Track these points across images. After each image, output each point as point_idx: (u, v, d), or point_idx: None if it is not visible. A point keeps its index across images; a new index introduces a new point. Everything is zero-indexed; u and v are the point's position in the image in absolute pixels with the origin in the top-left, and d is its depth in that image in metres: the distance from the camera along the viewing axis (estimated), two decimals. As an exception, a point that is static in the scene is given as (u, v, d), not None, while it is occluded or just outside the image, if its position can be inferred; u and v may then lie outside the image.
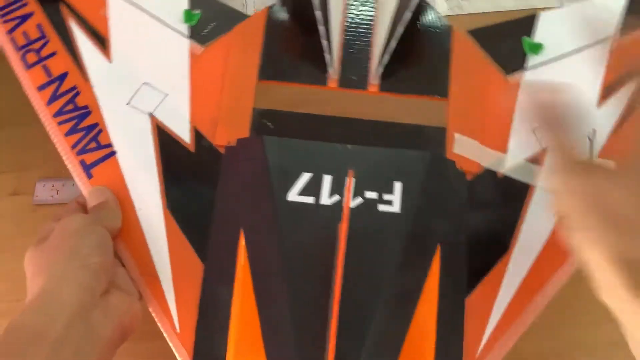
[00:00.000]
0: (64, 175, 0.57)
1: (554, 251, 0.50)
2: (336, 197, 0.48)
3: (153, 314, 0.47)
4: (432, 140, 0.53)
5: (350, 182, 0.48)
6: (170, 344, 0.47)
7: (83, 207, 0.50)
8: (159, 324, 0.47)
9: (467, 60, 0.56)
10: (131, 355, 0.56)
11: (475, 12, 0.64)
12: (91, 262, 0.43)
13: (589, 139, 0.52)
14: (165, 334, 0.47)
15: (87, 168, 0.50)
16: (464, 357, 0.47)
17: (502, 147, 0.53)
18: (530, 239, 0.50)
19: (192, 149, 0.52)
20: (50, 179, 0.60)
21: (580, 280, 0.59)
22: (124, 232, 0.49)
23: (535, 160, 0.53)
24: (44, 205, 0.59)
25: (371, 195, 0.48)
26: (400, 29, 0.53)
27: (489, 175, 0.52)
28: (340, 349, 0.43)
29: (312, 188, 0.48)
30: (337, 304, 0.44)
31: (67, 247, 0.44)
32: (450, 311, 0.47)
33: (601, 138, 0.53)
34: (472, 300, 0.48)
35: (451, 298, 0.48)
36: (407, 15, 0.52)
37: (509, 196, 0.52)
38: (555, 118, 0.40)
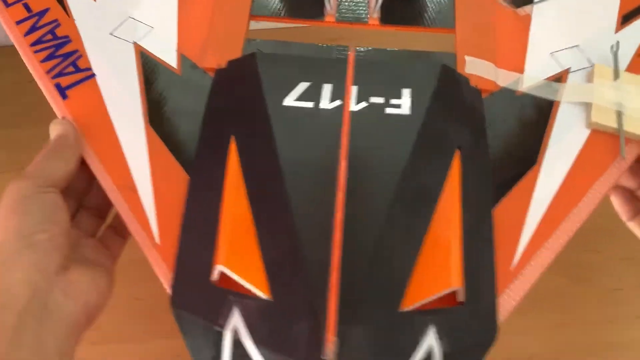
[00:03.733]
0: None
1: (588, 165, 0.44)
2: (337, 102, 0.43)
3: (130, 228, 0.41)
4: (441, 62, 0.48)
5: (349, 83, 0.43)
6: (149, 259, 0.40)
7: None
8: (136, 238, 0.41)
9: None
10: (131, 355, 0.56)
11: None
12: (37, 240, 0.37)
13: (613, 52, 0.47)
14: (142, 248, 0.40)
15: (63, 90, 0.45)
16: (497, 269, 0.39)
17: (519, 70, 0.49)
18: (560, 153, 0.44)
19: (178, 72, 0.47)
20: None
21: (580, 282, 0.58)
22: (100, 150, 0.43)
23: (559, 78, 0.48)
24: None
25: (377, 100, 0.43)
26: None
27: (507, 92, 0.47)
28: (349, 251, 0.36)
29: (311, 94, 0.43)
30: (341, 204, 0.37)
31: (10, 227, 0.38)
32: (477, 218, 0.40)
33: (624, 58, 0.49)
34: (501, 212, 0.42)
35: (476, 205, 0.41)
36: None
37: (531, 112, 0.47)
38: None
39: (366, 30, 0.51)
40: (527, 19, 0.52)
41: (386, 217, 0.38)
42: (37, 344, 0.35)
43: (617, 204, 0.49)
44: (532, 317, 0.56)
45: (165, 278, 0.39)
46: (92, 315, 0.39)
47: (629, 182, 0.49)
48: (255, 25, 0.51)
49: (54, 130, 0.44)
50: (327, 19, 0.51)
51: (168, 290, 0.38)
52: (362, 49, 0.50)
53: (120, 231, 0.45)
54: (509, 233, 0.41)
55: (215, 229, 0.39)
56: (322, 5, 0.51)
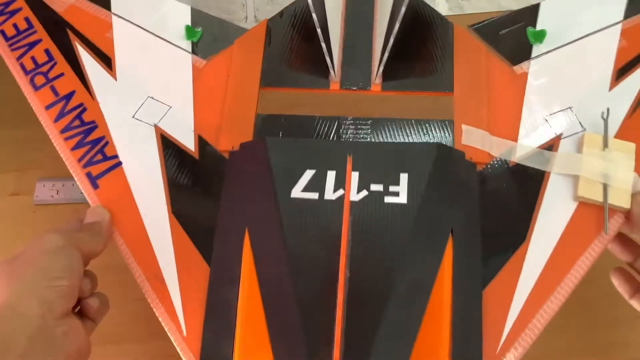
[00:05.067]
0: (64, 175, 0.57)
1: (574, 238, 0.47)
2: (340, 192, 0.47)
3: (160, 318, 0.46)
4: (438, 133, 0.52)
5: (349, 173, 0.47)
6: (177, 348, 0.45)
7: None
8: (165, 328, 0.46)
9: (471, 54, 0.55)
10: (131, 355, 0.58)
11: (476, 11, 0.64)
12: (58, 285, 0.43)
13: (603, 119, 0.50)
14: (172, 338, 0.46)
15: (94, 179, 0.50)
16: (484, 353, 0.44)
17: (512, 137, 0.52)
18: (548, 226, 0.48)
19: (196, 156, 0.52)
20: (50, 179, 0.61)
21: (580, 282, 0.59)
22: (130, 240, 0.48)
23: (549, 147, 0.51)
24: (44, 205, 0.60)
25: (377, 187, 0.47)
26: (396, 26, 0.52)
27: (501, 164, 0.51)
28: (349, 346, 0.41)
29: (316, 184, 0.47)
30: (341, 300, 0.42)
31: (37, 265, 0.43)
32: (466, 303, 0.45)
33: (615, 120, 0.51)
34: (490, 293, 0.46)
35: (467, 290, 0.45)
36: (402, 10, 0.52)
37: (523, 183, 0.50)
38: None
39: (368, 96, 0.54)
40: (524, 78, 0.54)
41: (383, 312, 0.42)
42: None
43: (617, 284, 0.52)
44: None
45: None
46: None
47: (623, 256, 0.51)
48: (264, 95, 0.54)
49: (93, 215, 0.49)
50: (332, 86, 0.54)
51: None
52: (362, 127, 0.53)
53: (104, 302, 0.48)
54: (496, 316, 0.45)
55: (232, 325, 0.44)
56: (328, 73, 0.54)
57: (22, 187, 0.64)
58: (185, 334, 0.45)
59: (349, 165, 0.47)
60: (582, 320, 0.60)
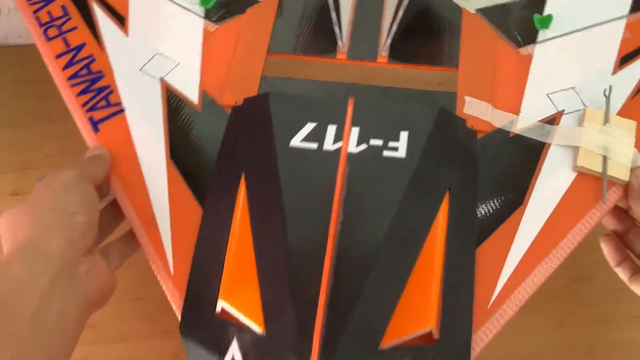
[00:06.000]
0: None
1: (571, 207, 0.47)
2: (339, 144, 0.47)
3: (149, 259, 0.46)
4: (441, 102, 0.52)
5: (348, 124, 0.47)
6: (164, 288, 0.45)
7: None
8: (153, 268, 0.45)
9: (477, 34, 0.56)
10: (131, 355, 0.57)
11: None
12: (78, 220, 0.42)
13: (605, 95, 0.50)
14: (159, 279, 0.45)
15: (95, 123, 0.50)
16: (475, 307, 0.43)
17: (515, 112, 0.52)
18: (546, 193, 0.48)
19: (199, 108, 0.52)
20: None
21: (580, 282, 0.60)
22: (127, 183, 0.48)
23: (552, 120, 0.51)
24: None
25: (376, 142, 0.47)
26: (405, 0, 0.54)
27: (501, 133, 0.51)
28: (337, 290, 0.40)
29: (316, 135, 0.47)
30: (331, 245, 0.41)
31: (53, 203, 0.43)
32: (459, 258, 0.44)
33: (618, 101, 0.51)
34: (484, 251, 0.45)
35: (461, 245, 0.45)
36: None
37: (522, 153, 0.50)
38: None
39: (374, 67, 0.55)
40: (528, 59, 0.55)
41: (374, 259, 0.42)
42: (62, 309, 0.38)
43: (606, 250, 0.52)
44: (532, 317, 0.57)
45: (177, 305, 0.44)
46: (101, 302, 0.43)
47: (616, 227, 0.51)
48: (271, 60, 0.55)
49: (94, 151, 0.49)
50: (339, 55, 0.55)
51: (179, 317, 0.43)
52: (365, 88, 0.53)
53: (129, 244, 0.49)
54: (489, 272, 0.44)
55: (221, 264, 0.43)
56: (336, 42, 0.55)
57: (22, 187, 0.64)
58: (172, 272, 0.45)
59: (349, 114, 0.47)
60: (582, 318, 0.59)
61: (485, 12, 0.58)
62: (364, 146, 0.46)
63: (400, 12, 0.54)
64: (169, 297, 0.44)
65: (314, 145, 0.47)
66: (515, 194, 0.48)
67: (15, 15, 0.70)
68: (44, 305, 0.38)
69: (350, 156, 0.46)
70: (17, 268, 0.39)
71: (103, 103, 0.51)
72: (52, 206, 0.42)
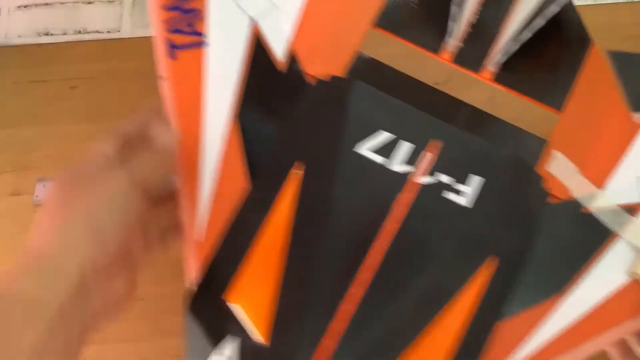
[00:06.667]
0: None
1: (608, 312, 0.45)
2: (408, 168, 0.44)
3: (183, 218, 0.45)
4: (527, 147, 0.48)
5: (426, 156, 0.44)
6: (185, 249, 0.44)
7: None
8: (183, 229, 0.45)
9: (598, 80, 0.51)
10: (131, 355, 0.58)
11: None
12: (106, 238, 0.39)
13: None
14: (184, 239, 0.45)
15: (173, 48, 0.48)
16: None
17: (600, 183, 0.48)
18: (587, 292, 0.45)
19: (283, 68, 0.49)
20: (50, 179, 0.59)
21: None
22: (183, 126, 0.46)
23: (631, 209, 0.48)
24: (44, 205, 0.59)
25: (444, 179, 0.44)
26: (539, 22, 0.48)
27: (574, 206, 0.47)
28: (347, 329, 0.40)
29: (386, 149, 0.45)
30: (361, 279, 0.41)
31: (87, 214, 0.39)
32: (477, 328, 0.43)
33: None
34: (503, 326, 0.44)
35: (483, 316, 0.43)
36: (553, 9, 0.47)
37: (586, 236, 0.47)
38: None
39: (476, 79, 0.50)
40: (637, 129, 0.50)
41: (395, 303, 0.41)
42: (67, 338, 0.36)
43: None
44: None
45: (190, 273, 0.43)
46: (112, 319, 0.41)
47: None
48: (373, 35, 0.51)
49: (163, 134, 0.45)
50: (444, 54, 0.51)
51: (188, 287, 0.43)
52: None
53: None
54: (501, 349, 0.43)
55: (245, 254, 0.43)
56: (444, 38, 0.50)
57: (22, 187, 0.63)
58: (202, 239, 0.44)
59: (430, 147, 0.45)
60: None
61: (616, 57, 0.52)
62: (431, 179, 0.44)
63: (526, 34, 0.48)
64: (185, 263, 0.44)
65: (379, 159, 0.44)
66: (558, 279, 0.45)
67: (16, 15, 0.67)
68: (49, 335, 0.35)
69: (419, 187, 0.44)
70: (30, 286, 0.36)
71: (187, 28, 0.48)
72: (85, 218, 0.39)
